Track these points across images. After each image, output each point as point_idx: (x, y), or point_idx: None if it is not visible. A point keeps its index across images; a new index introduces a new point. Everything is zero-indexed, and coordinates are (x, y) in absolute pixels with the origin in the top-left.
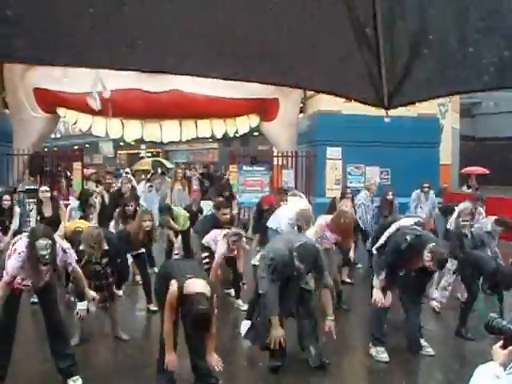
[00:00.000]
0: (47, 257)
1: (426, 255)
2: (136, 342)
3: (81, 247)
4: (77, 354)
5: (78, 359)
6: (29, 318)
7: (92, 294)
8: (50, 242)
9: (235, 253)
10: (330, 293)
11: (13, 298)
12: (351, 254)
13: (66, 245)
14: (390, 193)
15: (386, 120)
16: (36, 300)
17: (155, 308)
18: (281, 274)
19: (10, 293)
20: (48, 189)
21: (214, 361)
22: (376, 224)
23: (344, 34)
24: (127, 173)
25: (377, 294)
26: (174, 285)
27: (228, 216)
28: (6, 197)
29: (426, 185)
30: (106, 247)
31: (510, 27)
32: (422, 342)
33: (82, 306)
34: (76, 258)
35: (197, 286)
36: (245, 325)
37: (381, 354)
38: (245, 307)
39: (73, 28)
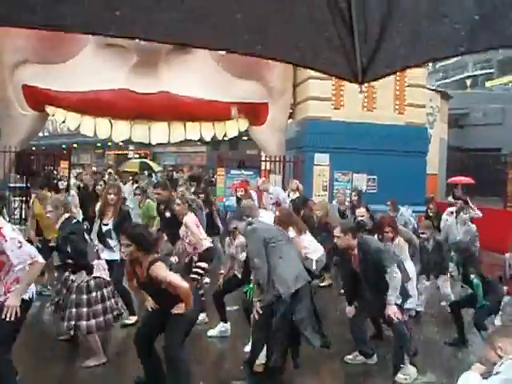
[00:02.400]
0: None
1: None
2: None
3: None
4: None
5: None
6: None
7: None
8: None
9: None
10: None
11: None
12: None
13: None
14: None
15: (360, 94)
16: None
17: (130, 321)
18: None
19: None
20: None
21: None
22: None
23: (319, 7)
24: (110, 173)
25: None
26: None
27: (159, 197)
28: None
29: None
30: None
31: None
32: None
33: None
34: None
35: None
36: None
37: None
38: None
39: None
